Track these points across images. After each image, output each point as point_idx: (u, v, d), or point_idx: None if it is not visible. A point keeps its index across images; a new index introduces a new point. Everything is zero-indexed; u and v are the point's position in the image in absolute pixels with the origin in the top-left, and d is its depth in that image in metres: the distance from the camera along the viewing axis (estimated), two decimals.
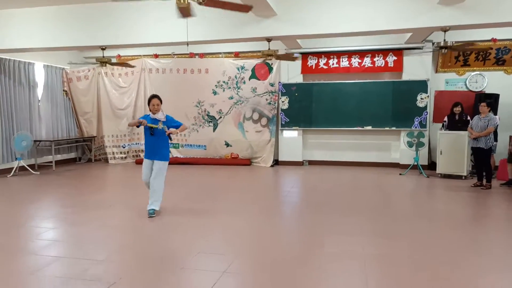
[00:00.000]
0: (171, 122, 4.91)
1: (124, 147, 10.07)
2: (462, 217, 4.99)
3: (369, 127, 8.88)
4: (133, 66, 8.95)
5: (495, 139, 7.33)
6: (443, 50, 6.15)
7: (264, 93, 9.34)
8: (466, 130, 7.09)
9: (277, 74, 9.30)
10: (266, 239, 4.11)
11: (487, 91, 8.29)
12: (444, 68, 8.73)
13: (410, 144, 8.05)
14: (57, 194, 6.48)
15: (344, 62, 9.01)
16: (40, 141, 8.98)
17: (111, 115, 9.91)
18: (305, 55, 9.13)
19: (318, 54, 9.08)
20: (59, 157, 9.63)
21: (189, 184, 7.21)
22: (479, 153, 6.67)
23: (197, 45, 8.05)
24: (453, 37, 7.10)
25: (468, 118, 7.46)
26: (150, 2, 6.19)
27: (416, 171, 8.10)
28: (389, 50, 8.67)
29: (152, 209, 4.84)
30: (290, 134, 9.41)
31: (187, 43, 6.72)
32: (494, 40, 8.03)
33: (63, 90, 9.91)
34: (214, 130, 9.65)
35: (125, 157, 10.07)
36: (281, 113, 9.32)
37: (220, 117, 9.60)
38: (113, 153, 10.01)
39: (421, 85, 8.47)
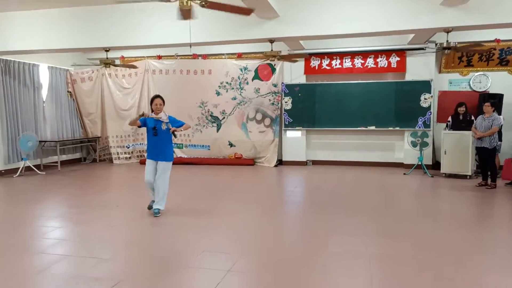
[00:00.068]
0: (174, 123, 4.89)
1: (128, 147, 10.13)
2: (466, 217, 4.99)
3: (373, 127, 8.89)
4: (135, 67, 9.00)
5: (500, 139, 7.31)
6: (446, 51, 6.14)
7: (267, 93, 9.36)
8: (470, 130, 7.08)
9: (280, 74, 9.32)
10: (270, 239, 4.13)
11: (491, 91, 8.27)
12: (448, 69, 8.72)
13: (414, 144, 8.05)
14: (62, 194, 6.54)
15: (347, 63, 9.02)
16: (45, 141, 9.06)
17: (115, 116, 9.97)
18: (308, 56, 9.14)
19: (321, 55, 9.09)
20: (64, 157, 9.69)
21: (193, 184, 7.25)
22: (484, 153, 6.66)
23: (200, 46, 8.09)
24: (456, 38, 7.09)
25: (472, 118, 7.46)
26: (153, 4, 6.24)
27: (420, 171, 8.09)
28: (392, 50, 8.67)
29: (157, 208, 4.87)
30: (294, 134, 9.42)
31: (190, 45, 6.77)
32: (497, 40, 8.03)
33: (68, 91, 9.98)
34: (217, 130, 9.69)
35: (130, 157, 10.13)
36: (284, 113, 9.34)
37: (224, 117, 9.64)
38: (118, 153, 10.07)
39: (425, 86, 8.47)
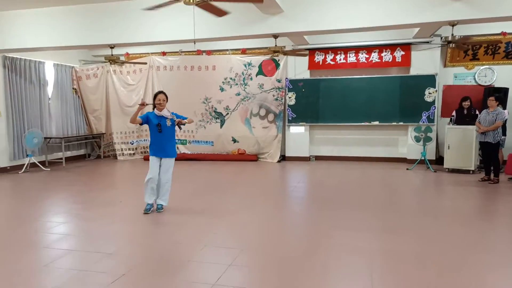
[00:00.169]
0: (177, 118, 4.89)
1: (132, 144, 10.19)
2: (469, 212, 4.98)
3: (377, 122, 8.86)
4: (144, 63, 9.04)
5: (504, 133, 7.27)
6: (451, 45, 6.09)
7: (271, 89, 9.36)
8: (474, 124, 7.04)
9: (284, 70, 9.31)
10: (273, 234, 4.16)
11: (496, 85, 8.20)
12: (453, 63, 8.65)
13: (417, 139, 8.02)
14: (67, 190, 6.61)
15: (352, 58, 8.98)
16: (50, 138, 9.14)
17: (120, 112, 10.03)
18: (312, 51, 9.12)
19: (325, 50, 9.06)
20: (69, 153, 9.79)
21: (197, 180, 7.29)
22: (487, 148, 6.63)
23: (205, 42, 8.10)
24: (461, 31, 7.03)
25: (477, 112, 7.40)
26: (159, 1, 6.26)
27: (424, 166, 8.07)
28: (397, 45, 8.62)
29: (161, 204, 4.91)
30: (297, 130, 9.43)
31: (194, 41, 6.77)
32: (504, 33, 7.94)
33: (73, 88, 10.05)
34: (221, 126, 9.72)
35: (134, 154, 10.20)
36: (288, 109, 9.34)
37: (227, 113, 9.66)
38: (122, 149, 10.14)
39: (429, 80, 8.41)
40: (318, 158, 9.46)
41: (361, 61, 8.92)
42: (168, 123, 4.79)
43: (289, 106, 9.33)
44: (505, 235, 4.09)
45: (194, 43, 7.52)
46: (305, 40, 8.62)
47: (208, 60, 9.64)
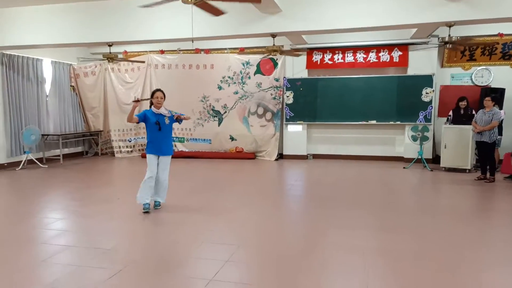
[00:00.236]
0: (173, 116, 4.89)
1: (130, 141, 10.20)
2: (466, 211, 5.02)
3: (374, 121, 8.90)
4: (142, 62, 9.04)
5: (500, 133, 7.33)
6: (448, 45, 6.13)
7: (269, 88, 9.38)
8: (471, 124, 7.09)
9: (282, 69, 9.34)
10: (269, 231, 4.18)
11: (493, 85, 8.26)
12: (450, 63, 8.70)
13: (414, 138, 8.07)
14: (65, 187, 6.61)
15: (349, 57, 9.02)
16: (48, 135, 9.14)
17: (118, 110, 10.03)
18: (310, 51, 9.15)
19: (323, 50, 9.09)
20: (66, 150, 9.79)
21: (194, 178, 7.31)
22: (483, 147, 6.68)
23: (203, 41, 8.12)
24: (458, 32, 7.07)
25: (473, 112, 7.46)
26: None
27: (420, 165, 8.12)
28: (395, 45, 8.67)
29: (158, 201, 4.93)
30: (295, 128, 9.46)
31: (192, 40, 6.78)
32: (500, 34, 8.00)
33: (71, 86, 10.04)
34: (219, 124, 9.74)
35: (131, 151, 10.20)
36: (285, 107, 9.37)
37: (225, 111, 9.68)
38: (119, 147, 10.14)
39: (427, 80, 8.46)
40: (316, 156, 9.50)
41: (359, 61, 8.95)
42: (167, 121, 4.78)
43: (287, 105, 9.36)
44: (501, 233, 4.13)
45: (192, 42, 7.52)
46: (303, 39, 8.64)
47: (207, 59, 9.66)
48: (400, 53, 8.72)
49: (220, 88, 9.62)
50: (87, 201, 5.45)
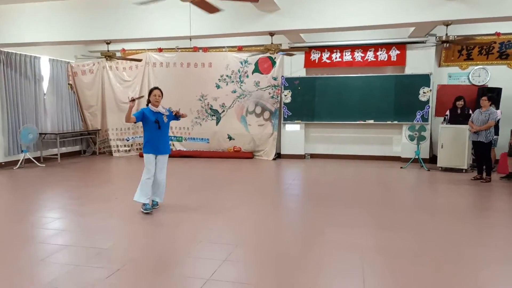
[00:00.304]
0: (171, 114, 4.86)
1: (128, 140, 10.19)
2: (462, 210, 5.05)
3: (371, 121, 8.93)
4: (139, 60, 9.03)
5: (496, 133, 7.37)
6: (445, 44, 6.15)
7: (267, 87, 9.39)
8: (467, 124, 7.12)
9: (280, 68, 9.34)
10: (268, 230, 4.20)
11: (490, 85, 8.30)
12: (447, 62, 8.73)
13: (411, 138, 8.10)
14: (62, 186, 6.61)
15: (347, 56, 9.03)
16: (45, 134, 9.12)
17: (116, 109, 10.01)
18: (308, 49, 9.16)
19: (321, 48, 9.10)
20: (64, 149, 9.77)
21: (192, 177, 7.31)
22: (480, 147, 6.71)
23: (201, 39, 8.11)
24: (456, 31, 7.10)
25: (470, 112, 7.48)
26: None
27: (417, 165, 8.15)
28: (392, 44, 8.69)
29: (156, 201, 4.92)
30: (293, 128, 9.47)
31: (190, 38, 6.79)
32: (497, 34, 8.01)
33: (68, 84, 10.02)
34: (217, 123, 9.74)
35: (129, 150, 10.20)
36: (283, 106, 9.38)
37: (223, 110, 9.68)
38: (117, 146, 10.13)
39: (424, 79, 8.49)
40: (313, 156, 9.52)
41: (356, 59, 8.97)
42: (165, 119, 4.77)
43: (284, 104, 9.37)
44: (498, 232, 4.16)
45: (190, 40, 7.53)
46: (301, 38, 8.65)
47: (205, 57, 9.65)
48: (398, 52, 8.74)
49: (218, 86, 9.62)
50: (85, 200, 5.45)
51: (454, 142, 7.45)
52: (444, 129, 7.63)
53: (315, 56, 9.22)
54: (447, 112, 7.82)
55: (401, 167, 8.09)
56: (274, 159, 9.32)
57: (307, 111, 9.28)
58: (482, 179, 6.66)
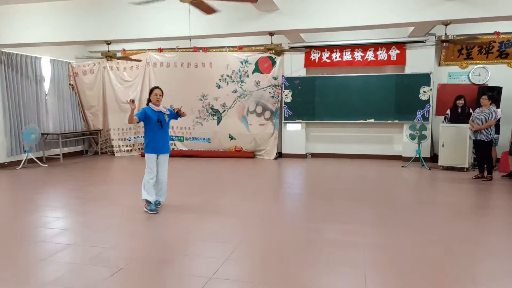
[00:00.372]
0: (172, 113, 4.90)
1: (129, 140, 10.23)
2: (463, 208, 5.06)
3: (372, 120, 8.95)
4: (139, 60, 9.07)
5: (497, 132, 7.38)
6: (444, 44, 6.16)
7: (268, 86, 9.42)
8: (468, 123, 7.14)
9: (281, 67, 9.37)
10: (269, 228, 4.23)
11: (490, 84, 8.31)
12: (447, 61, 8.74)
13: (412, 137, 8.12)
14: (65, 186, 6.65)
15: (347, 56, 9.05)
16: (47, 134, 9.16)
17: (117, 109, 10.05)
18: (307, 49, 9.19)
19: (321, 48, 9.12)
20: (66, 150, 9.81)
21: (194, 176, 7.35)
22: (480, 146, 6.73)
23: (201, 39, 8.13)
24: (456, 31, 7.12)
25: (471, 111, 7.50)
26: None
27: (418, 164, 8.17)
28: (392, 43, 8.70)
29: (159, 200, 4.95)
30: (293, 127, 9.50)
31: (190, 38, 6.81)
32: (497, 33, 8.03)
33: (69, 84, 10.06)
34: (218, 123, 9.77)
35: (131, 150, 10.23)
36: (284, 106, 9.40)
37: (224, 110, 9.71)
38: (119, 146, 10.17)
39: (424, 78, 8.50)
40: (314, 155, 9.55)
41: (356, 59, 8.99)
42: (166, 118, 4.80)
43: (285, 103, 9.39)
44: (498, 230, 4.19)
45: (190, 40, 7.55)
46: (301, 37, 8.67)
47: (205, 57, 9.67)
48: (397, 51, 8.76)
49: (219, 86, 9.65)
50: (88, 199, 5.49)
51: (455, 141, 7.47)
52: (444, 128, 7.65)
53: (315, 55, 9.24)
54: (448, 111, 7.84)
55: (402, 166, 8.11)
56: (275, 158, 9.35)
57: (308, 110, 9.31)
58: (483, 177, 6.68)
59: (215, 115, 9.78)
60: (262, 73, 9.42)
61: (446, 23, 6.04)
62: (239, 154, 9.60)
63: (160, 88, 4.81)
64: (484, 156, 6.72)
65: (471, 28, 7.94)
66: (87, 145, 10.69)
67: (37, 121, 8.96)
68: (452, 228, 4.16)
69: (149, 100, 4.78)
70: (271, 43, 7.01)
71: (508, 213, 4.83)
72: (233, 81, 9.56)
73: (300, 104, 9.31)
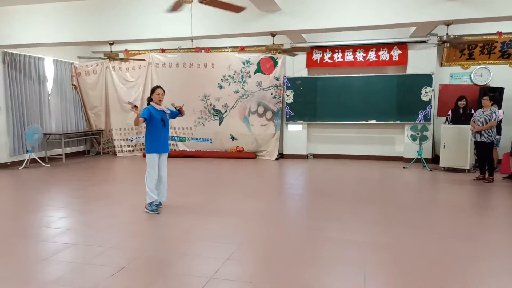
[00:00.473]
0: (172, 112, 4.95)
1: (131, 140, 10.26)
2: (463, 209, 5.06)
3: (373, 121, 8.95)
4: (143, 60, 9.10)
5: (499, 133, 7.37)
6: (445, 44, 6.16)
7: (269, 87, 9.43)
8: (469, 124, 7.13)
9: (282, 68, 9.38)
10: (270, 229, 4.24)
11: (492, 84, 8.30)
12: (449, 62, 8.73)
13: (413, 138, 8.11)
14: (67, 186, 6.68)
15: (349, 56, 9.06)
16: (50, 134, 9.21)
17: (119, 109, 10.09)
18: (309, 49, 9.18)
19: (323, 48, 9.13)
20: (68, 150, 9.86)
21: (195, 176, 7.37)
22: (481, 147, 6.72)
23: (203, 39, 8.16)
24: (457, 31, 7.12)
25: (473, 111, 7.49)
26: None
27: (420, 165, 8.17)
28: (394, 44, 8.70)
29: (159, 201, 4.97)
30: (295, 128, 9.51)
31: (192, 39, 6.84)
32: (499, 33, 8.02)
33: (72, 84, 10.11)
34: (219, 123, 9.79)
35: (133, 150, 10.27)
36: (286, 107, 9.41)
37: (226, 111, 9.73)
38: (121, 146, 10.21)
39: (426, 79, 8.50)
40: (316, 156, 9.55)
41: (358, 59, 9.00)
42: (168, 117, 4.85)
43: (287, 104, 9.40)
44: (498, 230, 4.18)
45: (192, 41, 7.57)
46: (303, 38, 8.68)
47: (207, 58, 9.70)
48: (399, 52, 8.76)
49: (220, 87, 9.67)
50: (90, 199, 5.52)
51: (456, 142, 7.46)
52: (446, 129, 7.64)
53: (317, 56, 9.25)
54: (449, 112, 7.83)
55: (404, 167, 8.10)
56: (276, 159, 9.36)
57: (309, 111, 9.32)
58: (485, 179, 6.67)
59: (216, 115, 9.80)
60: (264, 74, 9.43)
61: (447, 23, 6.03)
62: (240, 155, 9.62)
63: (162, 88, 4.83)
64: (485, 158, 6.71)
65: (472, 28, 7.92)
66: (89, 145, 10.74)
67: (39, 121, 9.01)
68: (453, 227, 4.17)
69: (150, 99, 4.79)
70: (273, 43, 7.02)
71: (509, 213, 4.83)
72: (235, 82, 9.58)
73: (301, 105, 9.32)
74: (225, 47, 9.67)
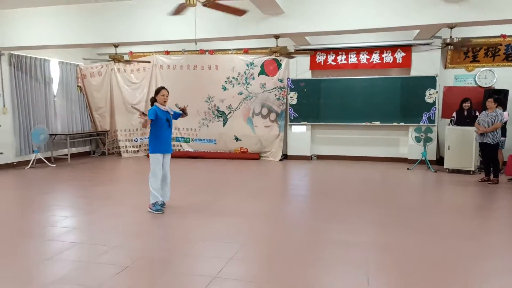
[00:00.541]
0: (176, 113, 5.00)
1: (136, 141, 10.33)
2: (468, 211, 5.06)
3: (378, 123, 8.94)
4: (148, 62, 9.16)
5: (503, 135, 7.35)
6: (449, 47, 6.16)
7: (273, 88, 9.46)
8: (474, 125, 7.11)
9: (286, 70, 9.41)
10: (274, 229, 4.26)
11: (496, 87, 8.27)
12: (453, 64, 8.72)
13: (418, 139, 8.10)
14: (72, 185, 6.74)
15: (353, 59, 9.07)
16: (56, 134, 9.29)
17: (124, 110, 10.16)
18: (312, 52, 9.21)
19: (326, 51, 9.15)
20: (74, 150, 9.94)
21: (199, 177, 7.40)
22: (486, 149, 6.70)
23: (207, 42, 8.21)
24: (461, 33, 7.10)
25: (477, 113, 7.47)
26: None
27: (424, 166, 8.15)
28: (398, 46, 8.70)
29: (163, 201, 5.01)
30: (299, 129, 9.53)
31: (195, 41, 6.88)
32: (503, 36, 8.01)
33: (78, 86, 10.20)
34: (224, 125, 9.83)
35: (138, 151, 10.33)
36: (289, 108, 9.44)
37: (230, 112, 9.77)
38: (126, 146, 10.28)
39: (430, 81, 8.49)
40: (320, 157, 9.56)
41: (362, 62, 9.01)
42: (172, 117, 4.90)
43: (290, 105, 9.43)
44: (502, 230, 4.17)
45: (196, 43, 7.62)
46: (306, 40, 8.71)
47: (211, 60, 9.75)
48: (403, 54, 8.76)
49: (224, 88, 9.71)
50: (94, 199, 5.57)
51: (461, 144, 7.44)
52: (450, 130, 7.62)
53: (320, 58, 9.27)
54: (454, 114, 7.82)
55: (408, 169, 8.09)
56: (280, 160, 9.38)
57: (313, 112, 9.33)
58: (490, 181, 6.65)
59: (220, 116, 9.84)
60: (268, 76, 9.47)
61: (451, 26, 6.03)
62: (244, 156, 9.65)
63: (166, 89, 4.89)
64: (490, 159, 6.69)
65: (477, 31, 7.91)
66: (95, 145, 10.82)
67: (45, 122, 9.10)
68: (456, 228, 4.17)
69: (154, 100, 4.84)
70: (277, 45, 7.05)
71: None
72: (239, 83, 9.63)
73: (305, 106, 9.34)
74: (229, 49, 9.72)
